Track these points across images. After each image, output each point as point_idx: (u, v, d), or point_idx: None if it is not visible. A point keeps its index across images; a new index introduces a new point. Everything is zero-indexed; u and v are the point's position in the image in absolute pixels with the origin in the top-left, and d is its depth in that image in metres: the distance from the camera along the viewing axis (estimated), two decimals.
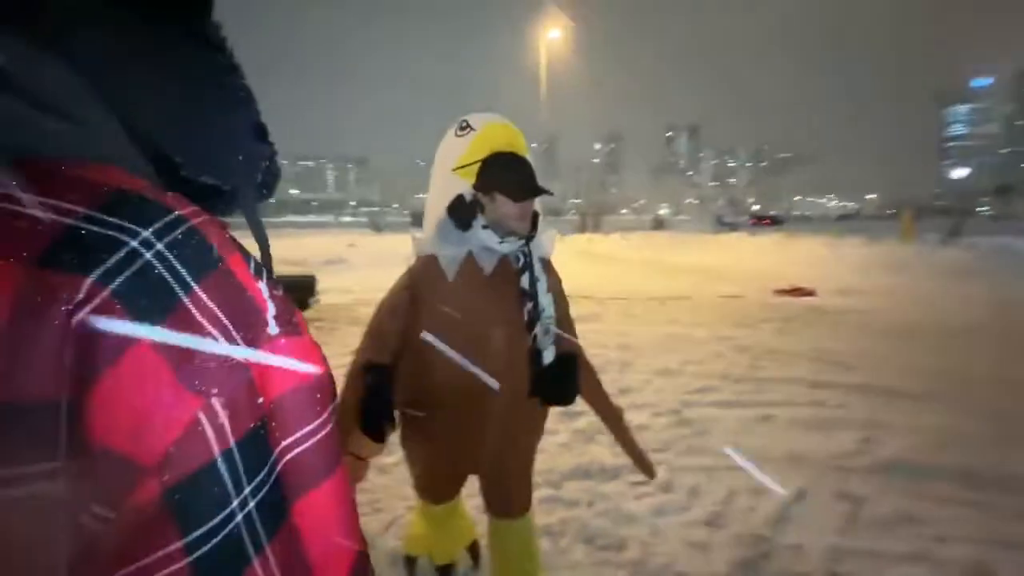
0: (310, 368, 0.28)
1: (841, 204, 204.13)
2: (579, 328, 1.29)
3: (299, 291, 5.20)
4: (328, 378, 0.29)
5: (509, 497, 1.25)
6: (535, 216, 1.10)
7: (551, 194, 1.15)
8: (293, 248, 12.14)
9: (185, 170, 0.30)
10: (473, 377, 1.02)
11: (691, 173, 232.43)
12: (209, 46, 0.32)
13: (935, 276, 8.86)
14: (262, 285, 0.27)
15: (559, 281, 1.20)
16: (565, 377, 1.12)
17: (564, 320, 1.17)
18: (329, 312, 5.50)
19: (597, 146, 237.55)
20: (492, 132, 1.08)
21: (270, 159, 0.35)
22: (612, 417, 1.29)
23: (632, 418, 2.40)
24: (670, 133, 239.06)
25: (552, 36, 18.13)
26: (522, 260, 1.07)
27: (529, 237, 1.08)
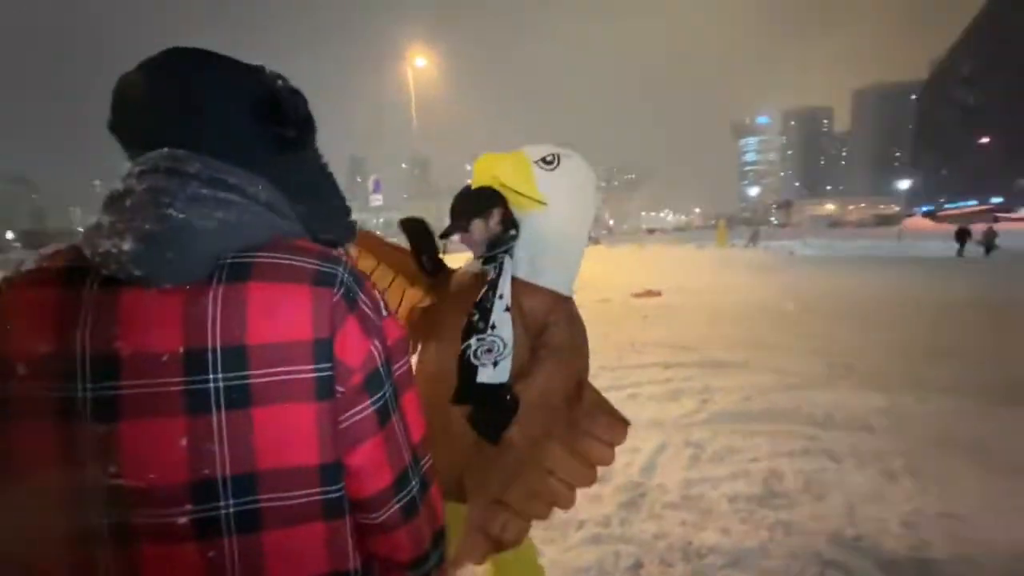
0: (401, 330, 0.54)
1: (676, 216, 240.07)
2: None
3: None
4: (407, 335, 0.60)
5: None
6: (498, 238, 1.09)
7: (463, 229, 1.13)
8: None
9: (320, 234, 0.56)
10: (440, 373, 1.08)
11: None
12: (316, 154, 0.57)
13: (745, 271, 11.21)
14: (376, 291, 0.53)
15: (557, 325, 1.08)
16: (488, 404, 1.01)
17: (531, 366, 1.06)
18: None
19: (468, 167, 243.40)
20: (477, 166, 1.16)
21: (348, 214, 0.61)
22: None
23: None
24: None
25: (419, 64, 18.51)
26: (491, 275, 1.06)
27: (491, 257, 1.07)
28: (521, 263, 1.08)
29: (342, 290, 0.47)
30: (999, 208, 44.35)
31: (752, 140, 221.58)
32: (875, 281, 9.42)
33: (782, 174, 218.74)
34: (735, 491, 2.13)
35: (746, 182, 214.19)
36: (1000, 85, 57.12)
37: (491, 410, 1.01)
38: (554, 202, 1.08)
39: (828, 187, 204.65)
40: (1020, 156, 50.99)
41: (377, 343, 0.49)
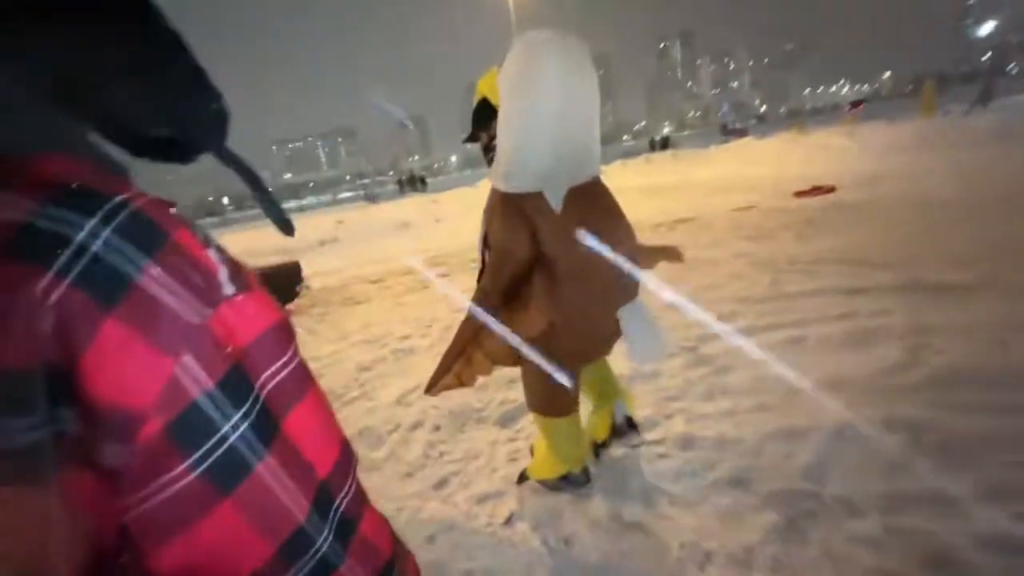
0: (267, 316, 0.34)
1: (855, 88, 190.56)
2: None
3: (284, 279, 4.96)
4: (285, 321, 0.36)
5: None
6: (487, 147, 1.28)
7: (475, 140, 1.34)
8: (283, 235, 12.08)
9: (135, 128, 0.34)
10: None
11: (690, 84, 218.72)
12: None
13: (965, 147, 8.05)
14: (212, 252, 0.32)
15: (488, 225, 1.24)
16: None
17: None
18: (321, 296, 5.26)
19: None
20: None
21: (217, 101, 0.35)
22: None
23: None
24: (663, 44, 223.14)
25: None
26: None
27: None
28: None
29: (79, 267, 0.26)
30: None
31: None
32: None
33: None
34: (993, 529, 1.23)
35: (970, 20, 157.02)
36: None
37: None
38: (502, 99, 1.07)
39: None
40: None
41: (191, 357, 0.29)
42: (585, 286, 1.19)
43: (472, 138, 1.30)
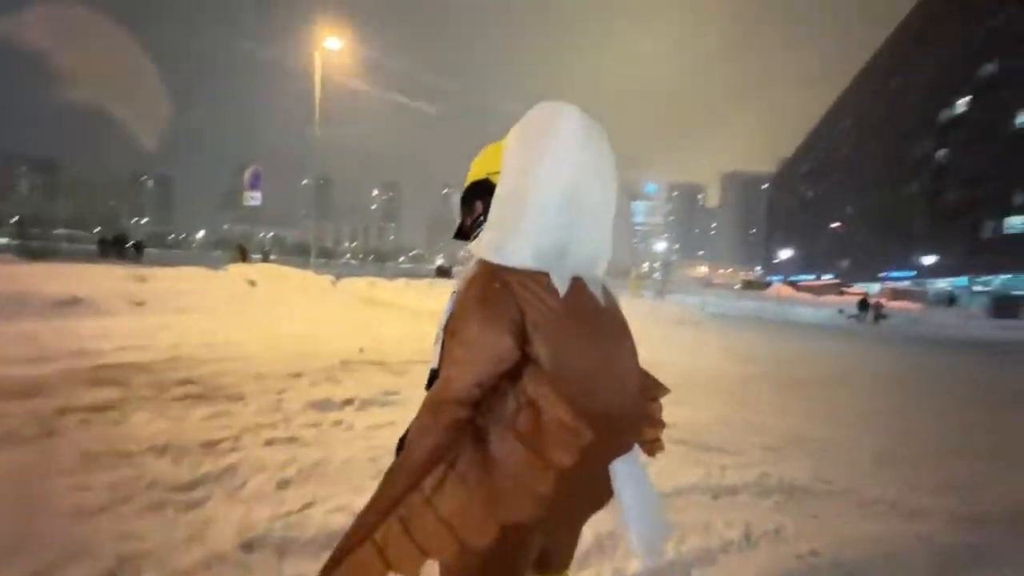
0: None
1: None
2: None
3: None
4: None
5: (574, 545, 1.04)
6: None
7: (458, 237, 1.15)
8: None
9: None
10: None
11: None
12: None
13: (679, 329, 10.74)
14: None
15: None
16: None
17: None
18: None
19: (375, 192, 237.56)
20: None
21: None
22: None
23: None
24: (446, 191, 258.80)
25: (329, 46, 15.82)
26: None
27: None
28: None
29: None
30: (834, 283, 53.47)
31: (642, 204, 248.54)
32: (826, 346, 9.50)
33: (665, 235, 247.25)
34: None
35: (636, 240, 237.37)
36: (830, 184, 70.90)
37: None
38: (505, 162, 0.89)
39: (700, 252, 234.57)
40: (843, 242, 62.61)
41: None
42: (580, 411, 0.79)
43: (461, 232, 1.10)
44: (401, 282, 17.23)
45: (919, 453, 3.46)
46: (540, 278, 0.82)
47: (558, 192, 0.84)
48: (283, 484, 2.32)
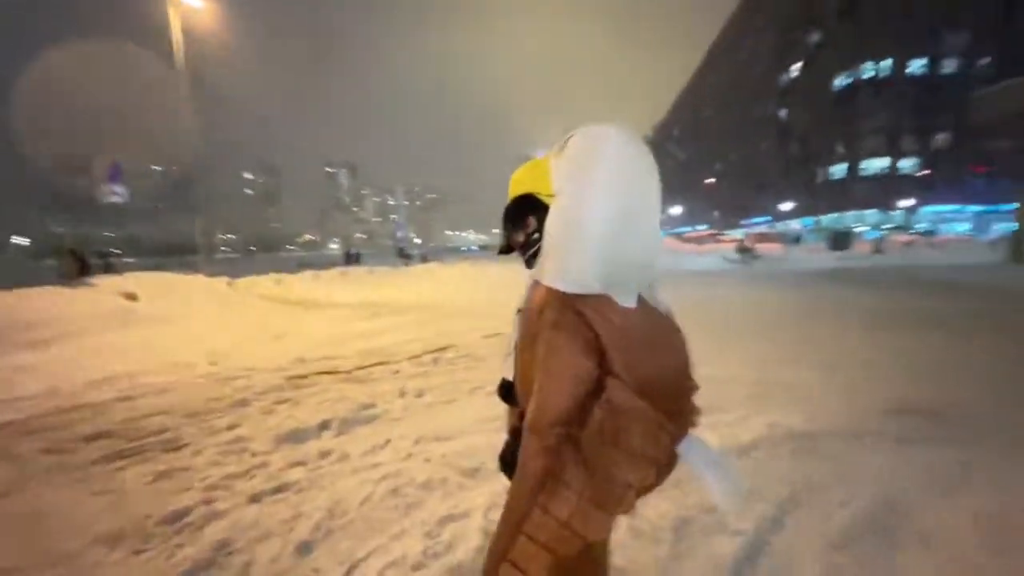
0: None
1: (477, 236, 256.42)
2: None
3: None
4: None
5: None
6: (529, 244, 1.08)
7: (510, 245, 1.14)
8: None
9: None
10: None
11: (356, 209, 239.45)
12: None
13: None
14: None
15: (542, 333, 0.93)
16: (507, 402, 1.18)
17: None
18: None
19: (248, 176, 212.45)
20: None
21: None
22: None
23: None
24: (330, 169, 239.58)
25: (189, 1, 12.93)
26: None
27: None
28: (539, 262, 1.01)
29: None
30: (710, 233, 60.52)
31: None
32: (726, 289, 10.45)
33: None
34: None
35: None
36: (699, 145, 79.25)
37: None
38: (558, 189, 0.98)
39: None
40: (713, 196, 70.92)
41: None
42: (658, 407, 0.92)
43: (506, 248, 1.13)
44: (308, 274, 15.71)
45: (882, 381, 3.98)
46: (605, 299, 0.90)
47: (612, 217, 0.92)
48: (303, 550, 1.91)
